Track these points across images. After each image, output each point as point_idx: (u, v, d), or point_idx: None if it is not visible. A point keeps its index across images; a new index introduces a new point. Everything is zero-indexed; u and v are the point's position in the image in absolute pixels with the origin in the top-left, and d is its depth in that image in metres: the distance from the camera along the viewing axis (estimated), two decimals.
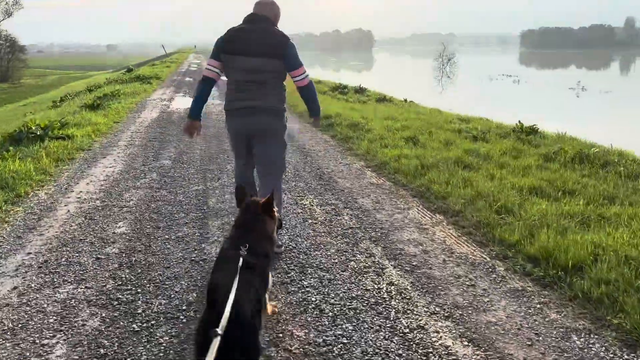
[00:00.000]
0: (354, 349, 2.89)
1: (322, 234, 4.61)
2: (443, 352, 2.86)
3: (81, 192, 5.93)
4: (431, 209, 5.20)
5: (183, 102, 15.15)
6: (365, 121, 10.22)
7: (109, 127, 10.38)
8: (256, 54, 3.83)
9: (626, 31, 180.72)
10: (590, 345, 2.92)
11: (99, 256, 4.14)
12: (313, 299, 3.43)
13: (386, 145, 8.07)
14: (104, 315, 3.26)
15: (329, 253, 4.19)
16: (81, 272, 3.86)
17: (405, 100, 16.15)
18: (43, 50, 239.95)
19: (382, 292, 3.52)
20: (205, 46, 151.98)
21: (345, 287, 3.59)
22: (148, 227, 4.80)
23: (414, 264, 3.95)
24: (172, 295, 3.50)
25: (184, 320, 3.19)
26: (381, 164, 6.99)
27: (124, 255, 4.17)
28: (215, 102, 14.74)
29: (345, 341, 2.96)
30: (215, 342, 1.77)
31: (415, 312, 3.26)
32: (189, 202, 5.55)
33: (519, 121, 9.52)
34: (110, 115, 11.80)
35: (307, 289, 3.57)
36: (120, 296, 3.50)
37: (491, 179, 6.03)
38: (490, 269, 3.85)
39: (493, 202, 5.05)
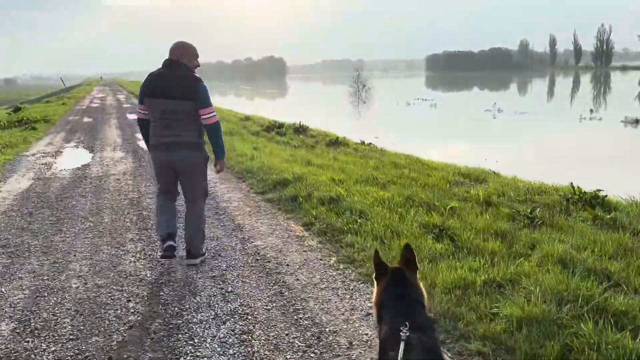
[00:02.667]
0: None
1: None
2: None
3: None
4: None
5: (73, 159, 11.15)
6: (343, 190, 6.84)
7: None
8: (174, 97, 4.38)
9: (521, 53, 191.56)
10: None
11: None
12: None
13: None
14: None
15: None
16: None
17: (363, 143, 13.00)
18: None
19: None
20: (114, 77, 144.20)
21: None
22: None
23: None
24: None
25: None
26: (439, 318, 3.57)
27: None
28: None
29: None
30: None
31: None
32: None
33: (572, 184, 6.54)
34: None
35: None
36: None
37: None
38: None
39: None
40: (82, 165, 10.24)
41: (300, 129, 15.39)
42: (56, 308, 3.94)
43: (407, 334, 1.94)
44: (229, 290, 4.16)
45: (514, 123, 23.87)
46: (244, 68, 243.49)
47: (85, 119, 20.60)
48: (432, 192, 6.83)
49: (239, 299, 3.98)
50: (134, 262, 4.88)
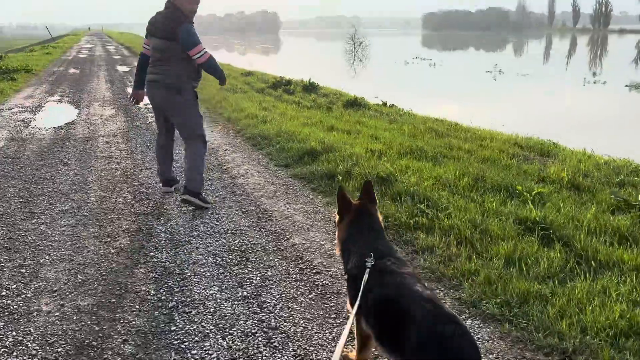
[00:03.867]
0: None
1: None
2: None
3: None
4: None
5: (56, 115, 9.67)
6: (392, 167, 5.46)
7: None
8: (159, 36, 4.50)
9: (518, 14, 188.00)
10: None
11: None
12: None
13: (521, 265, 3.38)
14: None
15: None
16: None
17: (385, 105, 11.55)
18: None
19: None
20: (103, 28, 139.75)
21: None
22: None
23: None
24: None
25: None
26: None
27: None
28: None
29: None
30: None
31: None
32: None
33: None
34: None
35: None
36: None
37: None
38: None
39: None
40: (66, 124, 8.77)
41: (310, 87, 13.86)
42: (15, 352, 2.59)
43: (373, 262, 2.10)
44: (272, 325, 2.83)
45: (518, 84, 22.55)
46: (236, 22, 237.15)
47: (72, 70, 18.86)
48: (503, 170, 5.48)
49: (290, 344, 2.66)
50: (131, 267, 3.52)
